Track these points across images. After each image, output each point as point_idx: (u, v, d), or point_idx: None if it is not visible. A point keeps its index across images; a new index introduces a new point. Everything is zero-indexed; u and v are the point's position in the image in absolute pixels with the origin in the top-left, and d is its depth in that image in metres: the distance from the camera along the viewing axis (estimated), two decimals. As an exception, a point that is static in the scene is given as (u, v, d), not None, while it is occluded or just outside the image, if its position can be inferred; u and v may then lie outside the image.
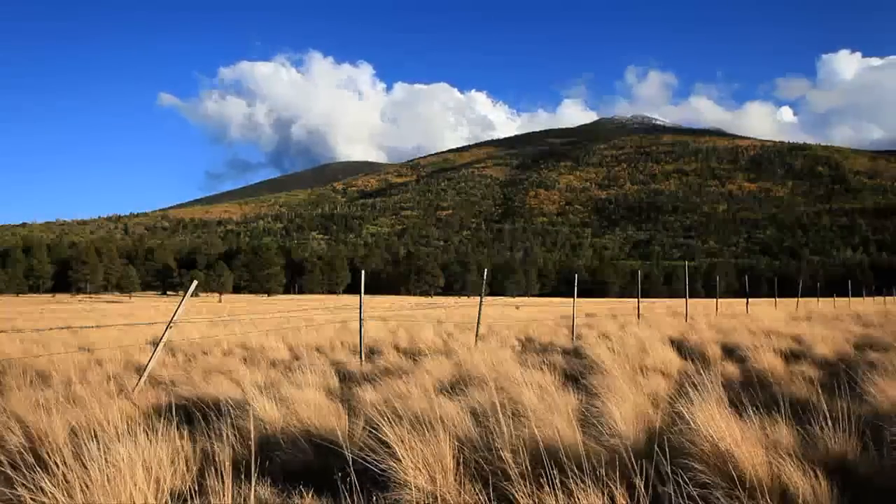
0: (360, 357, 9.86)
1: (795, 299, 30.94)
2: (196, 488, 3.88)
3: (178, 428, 4.67)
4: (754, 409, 4.13)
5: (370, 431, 4.34)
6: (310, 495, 3.87)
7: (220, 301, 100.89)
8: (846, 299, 39.18)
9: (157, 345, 8.30)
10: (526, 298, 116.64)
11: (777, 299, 30.06)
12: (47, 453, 3.91)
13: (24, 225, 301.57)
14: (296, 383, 6.45)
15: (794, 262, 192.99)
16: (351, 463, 3.80)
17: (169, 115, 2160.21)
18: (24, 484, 3.59)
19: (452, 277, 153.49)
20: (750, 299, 24.78)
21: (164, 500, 3.79)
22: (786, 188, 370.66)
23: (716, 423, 3.86)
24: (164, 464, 3.96)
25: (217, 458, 3.75)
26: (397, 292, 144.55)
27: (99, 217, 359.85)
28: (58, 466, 3.66)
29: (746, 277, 28.03)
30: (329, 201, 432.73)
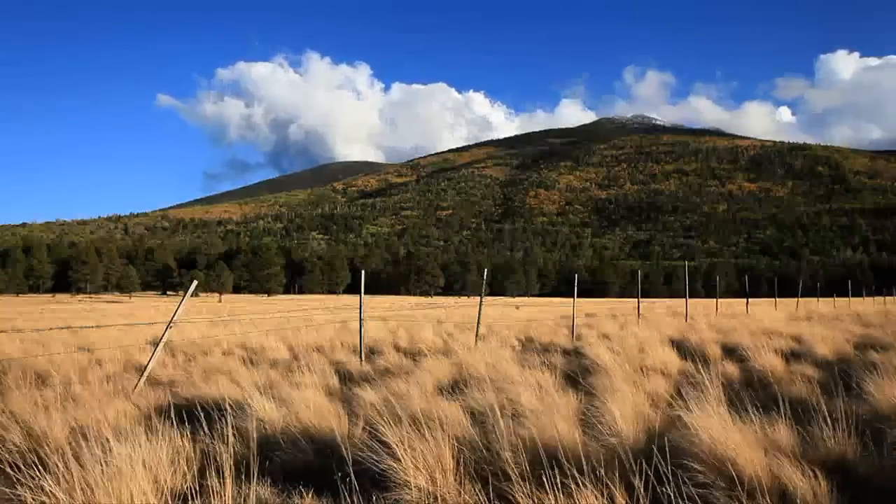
0: (360, 357, 9.86)
1: (795, 299, 30.95)
2: (196, 488, 3.88)
3: (178, 428, 4.68)
4: (754, 409, 4.13)
5: (370, 432, 4.35)
6: (310, 495, 3.88)
7: (220, 301, 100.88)
8: (846, 299, 39.18)
9: (157, 345, 8.30)
10: (526, 298, 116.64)
11: (777, 299, 30.06)
12: (47, 453, 3.92)
13: (24, 225, 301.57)
14: (296, 383, 6.45)
15: (794, 262, 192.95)
16: (351, 463, 3.81)
17: (167, 115, 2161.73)
18: (24, 483, 3.60)
19: (452, 277, 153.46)
20: (750, 299, 24.79)
21: (164, 500, 3.79)
22: (786, 188, 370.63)
23: (716, 424, 3.86)
24: (164, 464, 3.97)
25: (217, 459, 3.75)
26: (397, 292, 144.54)
27: (99, 217, 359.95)
28: (58, 466, 3.66)
29: (746, 277, 28.03)
30: (329, 201, 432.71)
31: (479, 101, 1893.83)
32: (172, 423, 4.75)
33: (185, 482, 4.04)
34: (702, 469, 3.64)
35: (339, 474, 3.72)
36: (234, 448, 4.51)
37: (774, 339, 9.63)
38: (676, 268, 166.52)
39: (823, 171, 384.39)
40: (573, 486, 3.30)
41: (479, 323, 13.36)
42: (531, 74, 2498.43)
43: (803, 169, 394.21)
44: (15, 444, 4.89)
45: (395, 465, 3.81)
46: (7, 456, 4.43)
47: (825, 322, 14.61)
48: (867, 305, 32.15)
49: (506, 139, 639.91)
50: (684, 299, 21.14)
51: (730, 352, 9.52)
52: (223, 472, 3.54)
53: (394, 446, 3.87)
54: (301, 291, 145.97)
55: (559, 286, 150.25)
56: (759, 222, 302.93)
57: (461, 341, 11.73)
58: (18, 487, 3.61)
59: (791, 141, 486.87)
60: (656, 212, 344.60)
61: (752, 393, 5.58)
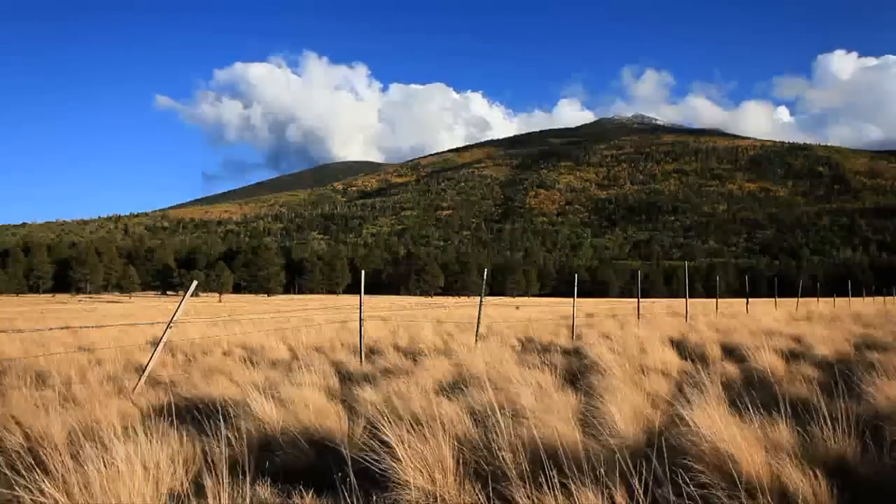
0: (360, 357, 9.86)
1: (795, 299, 30.92)
2: (195, 489, 3.88)
3: (177, 428, 4.67)
4: (754, 409, 4.12)
5: (370, 431, 4.35)
6: (310, 495, 3.87)
7: (220, 301, 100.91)
8: (846, 299, 39.15)
9: (157, 345, 8.30)
10: (526, 298, 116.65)
11: (777, 299, 30.05)
12: (47, 453, 3.91)
13: (24, 225, 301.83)
14: (296, 383, 6.45)
15: (794, 262, 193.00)
16: (351, 463, 3.80)
17: (165, 116, 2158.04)
18: (23, 485, 3.59)
19: (452, 277, 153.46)
20: (750, 299, 24.78)
21: (163, 501, 3.79)
22: (786, 188, 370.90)
23: (716, 424, 3.85)
24: (164, 464, 3.96)
25: (216, 459, 3.75)
26: (397, 292, 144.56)
27: (99, 217, 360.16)
28: (57, 467, 3.66)
29: (746, 277, 28.02)
30: (329, 201, 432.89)
31: (477, 101, 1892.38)
32: (172, 423, 4.75)
33: (185, 482, 4.03)
34: (702, 469, 3.64)
35: (339, 474, 3.72)
36: (233, 448, 4.51)
37: (774, 339, 9.63)
38: (676, 268, 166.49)
39: (823, 171, 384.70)
40: (573, 486, 3.30)
41: (479, 323, 13.35)
42: (529, 74, 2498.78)
43: (803, 169, 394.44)
44: (14, 444, 4.88)
45: (395, 464, 3.81)
46: (6, 456, 4.43)
47: (825, 322, 14.61)
48: (867, 305, 32.14)
49: (506, 139, 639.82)
50: (684, 299, 21.13)
51: (730, 352, 9.51)
52: (222, 473, 3.54)
53: (394, 446, 3.86)
54: (301, 291, 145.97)
55: (559, 286, 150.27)
56: (759, 222, 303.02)
57: (461, 341, 11.72)
58: (18, 488, 3.61)
59: (790, 141, 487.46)
60: (656, 212, 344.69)
61: (752, 393, 5.57)
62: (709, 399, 4.20)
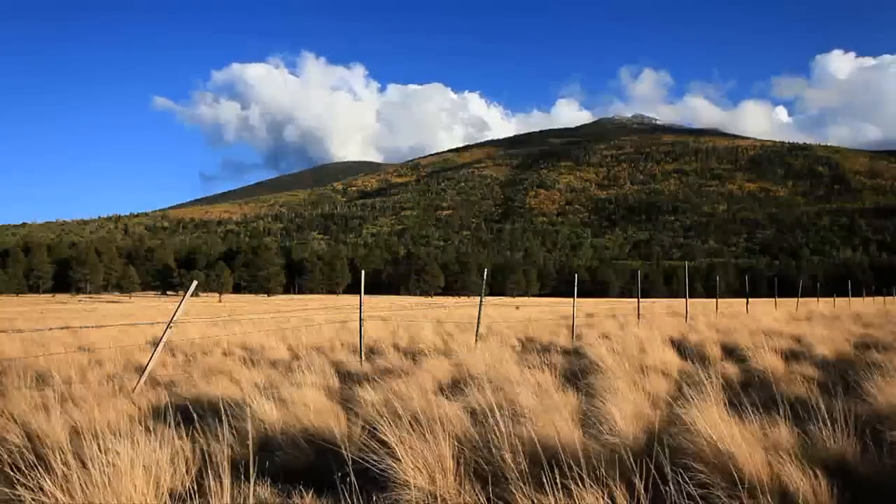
0: (360, 357, 9.86)
1: (795, 299, 30.92)
2: (195, 488, 3.88)
3: (177, 428, 4.68)
4: (754, 409, 4.13)
5: (370, 431, 4.34)
6: (310, 495, 3.88)
7: (220, 301, 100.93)
8: (846, 299, 39.15)
9: (158, 345, 8.30)
10: (526, 298, 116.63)
11: (777, 299, 30.04)
12: (47, 453, 3.91)
13: (24, 225, 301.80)
14: (296, 383, 6.45)
15: (794, 262, 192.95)
16: (350, 463, 3.80)
17: (164, 117, 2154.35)
18: (24, 484, 3.59)
19: (452, 277, 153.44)
20: (750, 299, 24.78)
21: (163, 501, 3.79)
22: (786, 188, 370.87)
23: (716, 424, 3.86)
24: (164, 464, 3.96)
25: (216, 459, 3.75)
26: (397, 292, 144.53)
27: (99, 217, 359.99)
28: (58, 467, 3.66)
29: (746, 277, 28.02)
30: (329, 201, 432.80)
31: (475, 102, 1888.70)
32: (172, 423, 4.75)
33: (185, 482, 4.04)
34: (702, 468, 3.64)
35: (339, 474, 3.72)
36: (233, 448, 4.51)
37: (774, 339, 9.62)
38: (676, 268, 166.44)
39: (823, 171, 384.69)
40: (573, 486, 3.30)
41: (479, 323, 13.35)
42: (526, 74, 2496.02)
43: (803, 169, 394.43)
44: (14, 444, 4.88)
45: (394, 464, 3.81)
46: (7, 456, 4.43)
47: (825, 322, 14.61)
48: (867, 305, 32.15)
49: (506, 139, 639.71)
50: (684, 299, 21.13)
51: (730, 352, 9.51)
52: (223, 473, 3.54)
53: (394, 446, 3.87)
54: (301, 291, 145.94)
55: (559, 286, 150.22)
56: (759, 222, 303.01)
57: (461, 341, 11.72)
58: (18, 488, 3.61)
59: (789, 141, 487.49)
60: (656, 212, 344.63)
61: (752, 393, 5.57)
62: (709, 399, 4.20)
